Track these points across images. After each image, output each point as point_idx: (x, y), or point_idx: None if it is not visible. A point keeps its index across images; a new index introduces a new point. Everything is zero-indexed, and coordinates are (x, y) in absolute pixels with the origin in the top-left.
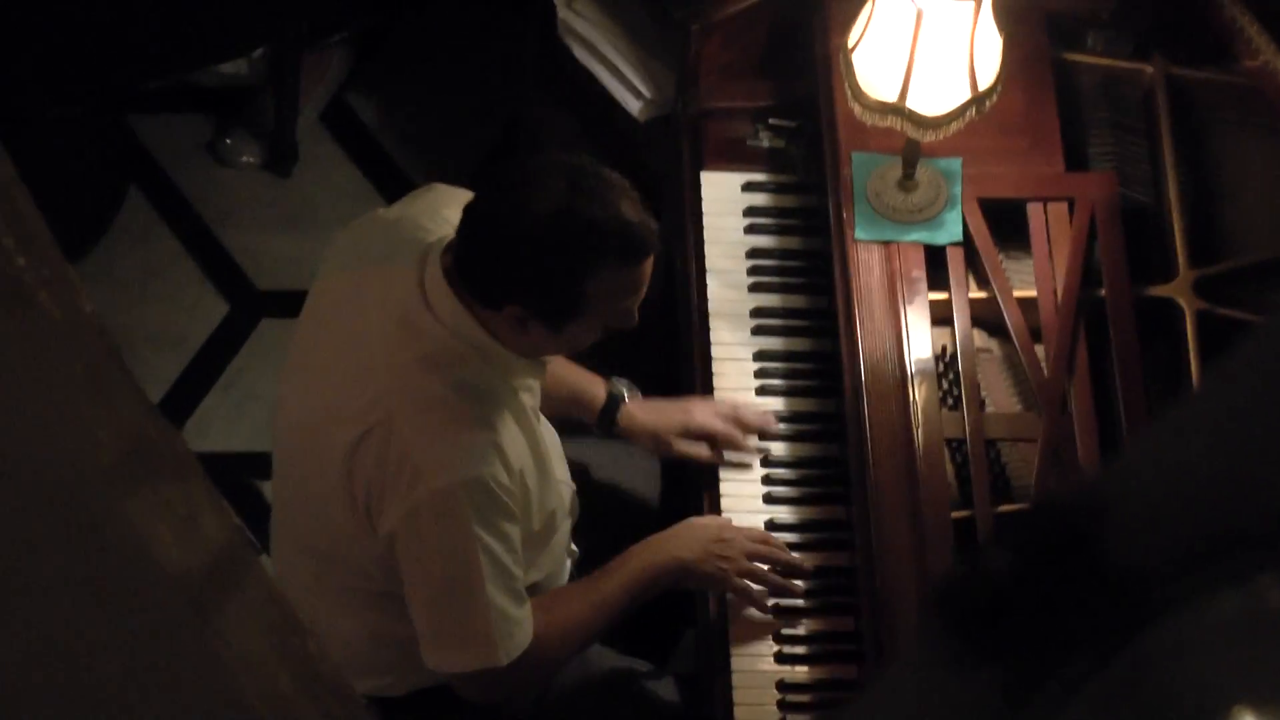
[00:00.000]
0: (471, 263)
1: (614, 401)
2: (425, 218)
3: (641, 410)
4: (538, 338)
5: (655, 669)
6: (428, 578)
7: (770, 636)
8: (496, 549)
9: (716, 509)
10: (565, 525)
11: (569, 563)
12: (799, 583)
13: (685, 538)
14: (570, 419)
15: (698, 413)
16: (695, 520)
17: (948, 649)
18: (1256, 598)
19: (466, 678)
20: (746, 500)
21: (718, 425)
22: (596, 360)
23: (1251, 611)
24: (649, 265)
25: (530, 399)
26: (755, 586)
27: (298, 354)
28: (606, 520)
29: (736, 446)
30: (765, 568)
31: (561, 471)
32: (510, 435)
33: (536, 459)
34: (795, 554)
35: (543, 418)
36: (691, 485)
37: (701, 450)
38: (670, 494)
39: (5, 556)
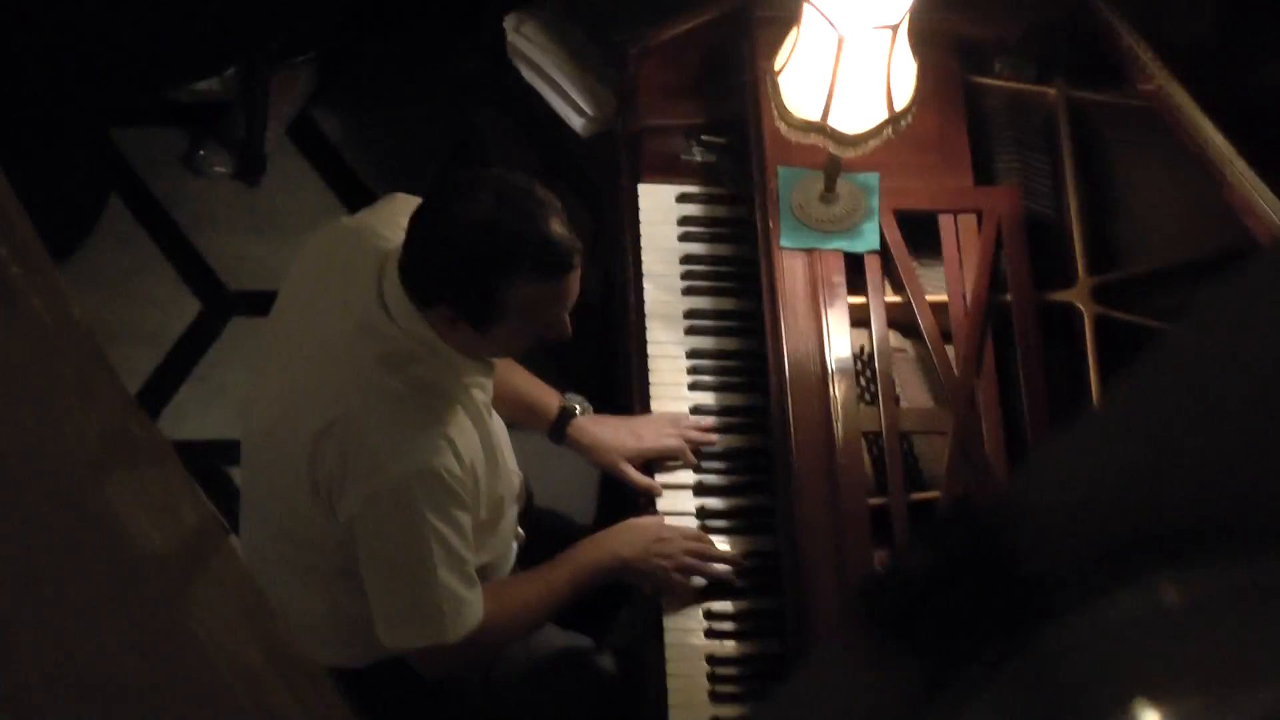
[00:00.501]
0: (408, 265)
1: (566, 415)
2: (384, 226)
3: (593, 425)
4: (467, 337)
5: (594, 643)
6: (384, 561)
7: (700, 613)
8: (448, 534)
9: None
10: (512, 511)
11: (515, 546)
12: (728, 568)
13: (627, 536)
14: (522, 425)
15: (649, 436)
16: (636, 520)
17: (870, 643)
18: (1152, 596)
19: (418, 653)
20: (679, 489)
21: (670, 443)
22: (543, 359)
23: (1150, 608)
24: (572, 280)
25: (481, 395)
26: (690, 581)
27: (266, 351)
28: (550, 508)
29: (684, 458)
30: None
31: (510, 461)
32: (462, 428)
33: (487, 450)
34: (724, 539)
35: (494, 413)
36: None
37: (646, 481)
38: (608, 481)
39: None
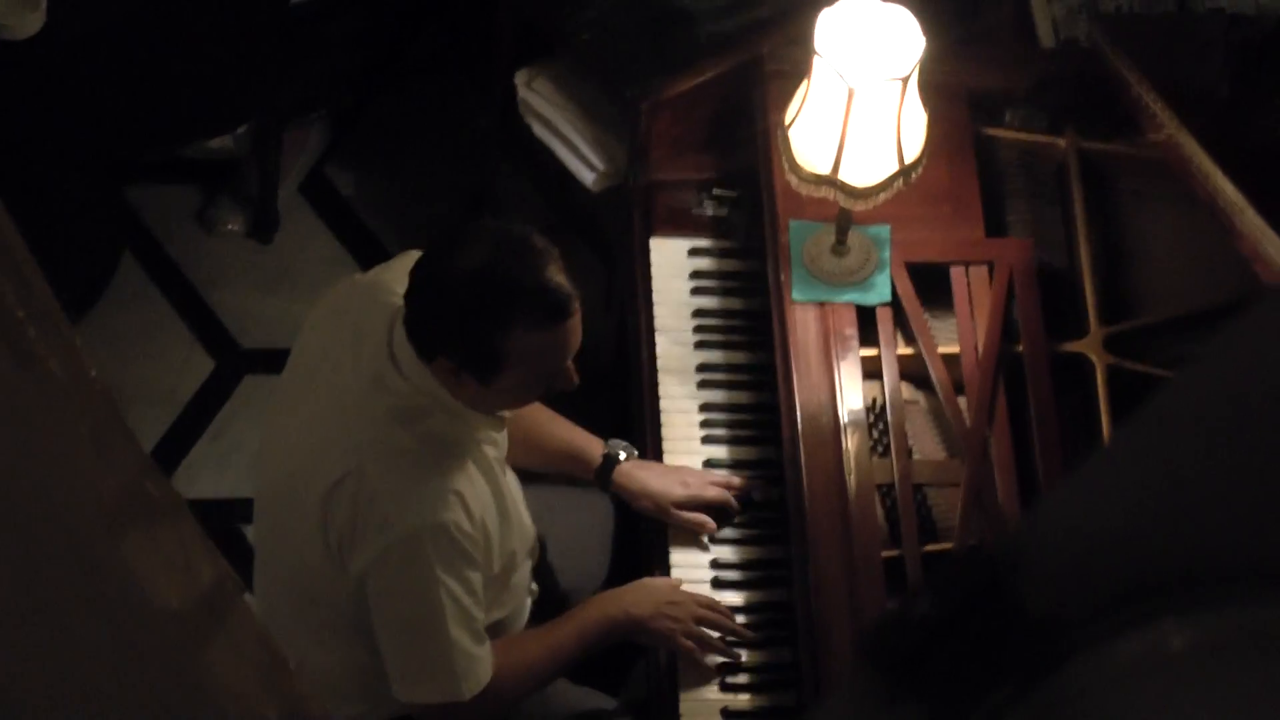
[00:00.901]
0: (410, 318)
1: (610, 461)
2: (397, 282)
3: (640, 471)
4: (473, 390)
5: (608, 696)
6: (395, 616)
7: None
8: (458, 591)
9: (665, 545)
10: (526, 566)
11: (529, 600)
12: (741, 651)
13: (639, 596)
14: (567, 475)
15: (694, 484)
16: (650, 580)
17: (877, 687)
18: (1158, 639)
19: (430, 709)
20: (693, 539)
21: (714, 494)
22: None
23: (1156, 652)
24: (570, 327)
25: (494, 450)
26: (699, 649)
27: (279, 407)
28: (563, 562)
29: (730, 508)
30: (713, 633)
31: (524, 516)
32: (473, 483)
33: (499, 504)
34: (738, 591)
35: (508, 468)
36: (643, 527)
37: (700, 518)
38: (622, 535)
39: (18, 594)
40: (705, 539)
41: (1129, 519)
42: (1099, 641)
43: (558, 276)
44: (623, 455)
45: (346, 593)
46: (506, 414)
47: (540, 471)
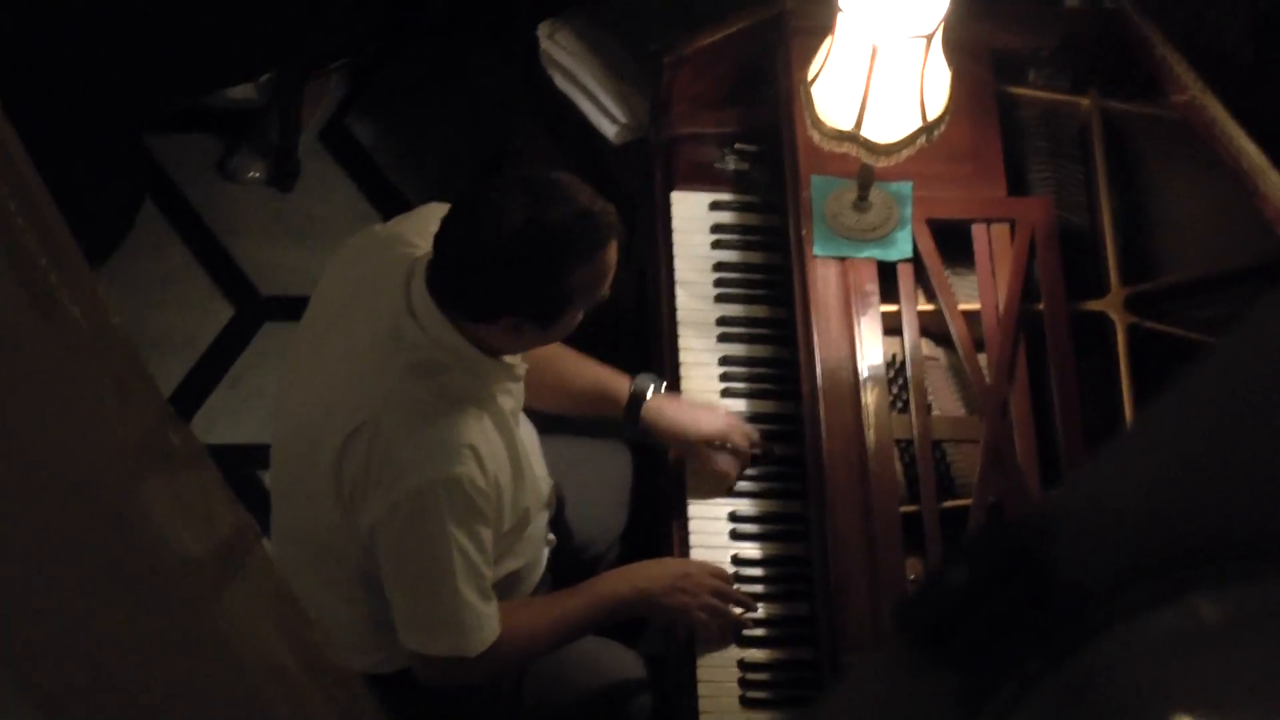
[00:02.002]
0: (454, 285)
1: (636, 400)
2: (415, 234)
3: (668, 408)
4: (532, 337)
5: (626, 647)
6: (405, 568)
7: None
8: (468, 546)
9: (683, 498)
10: (542, 517)
11: (546, 551)
12: (753, 615)
13: (651, 572)
14: (594, 417)
15: (725, 427)
16: (659, 559)
17: (907, 657)
18: (1192, 613)
19: (433, 662)
20: (711, 491)
21: (739, 436)
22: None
23: (1188, 625)
24: (614, 247)
25: (510, 401)
26: (713, 621)
27: (297, 356)
28: (582, 514)
29: (756, 447)
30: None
31: (539, 469)
32: (487, 438)
33: (513, 459)
34: (755, 544)
35: (523, 419)
36: (661, 479)
37: (726, 465)
38: (640, 487)
39: (41, 540)
40: (724, 492)
41: (1164, 491)
42: (1133, 613)
43: (593, 200)
44: (650, 390)
45: (358, 544)
46: (520, 363)
47: (564, 416)
